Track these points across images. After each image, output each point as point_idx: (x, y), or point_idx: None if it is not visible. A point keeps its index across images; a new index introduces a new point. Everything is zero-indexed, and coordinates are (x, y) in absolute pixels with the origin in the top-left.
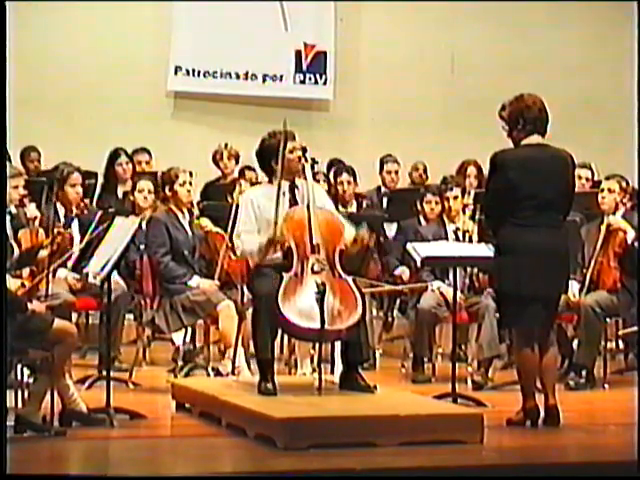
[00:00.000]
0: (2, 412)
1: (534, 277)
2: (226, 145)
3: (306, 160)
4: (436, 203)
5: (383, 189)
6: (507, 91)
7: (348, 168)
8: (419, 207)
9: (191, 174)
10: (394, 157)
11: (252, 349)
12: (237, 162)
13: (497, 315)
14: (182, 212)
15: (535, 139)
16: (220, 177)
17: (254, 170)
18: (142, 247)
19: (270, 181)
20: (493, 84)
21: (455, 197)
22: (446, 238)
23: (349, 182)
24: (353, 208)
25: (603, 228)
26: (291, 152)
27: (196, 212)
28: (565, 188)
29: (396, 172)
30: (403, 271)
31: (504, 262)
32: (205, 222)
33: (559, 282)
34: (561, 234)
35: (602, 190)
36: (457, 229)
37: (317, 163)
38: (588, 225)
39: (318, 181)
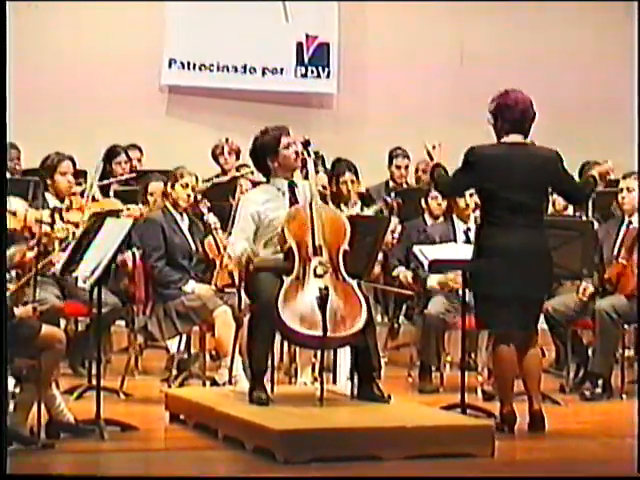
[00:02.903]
0: (2, 413)
1: (509, 278)
2: (227, 140)
3: (309, 155)
4: (443, 199)
5: (391, 184)
6: (518, 85)
7: (350, 166)
8: (424, 204)
9: (197, 178)
10: (404, 151)
11: None
12: (237, 158)
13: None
14: (180, 214)
15: (514, 138)
16: (218, 174)
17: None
18: (135, 249)
19: (268, 181)
20: (504, 77)
21: (470, 194)
22: (454, 239)
23: (352, 181)
24: (357, 208)
25: (624, 229)
26: (286, 148)
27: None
28: (543, 188)
29: (406, 167)
30: (401, 272)
31: (479, 262)
32: None
33: (538, 283)
34: (538, 235)
35: (621, 190)
36: (468, 229)
37: (320, 156)
38: (606, 225)
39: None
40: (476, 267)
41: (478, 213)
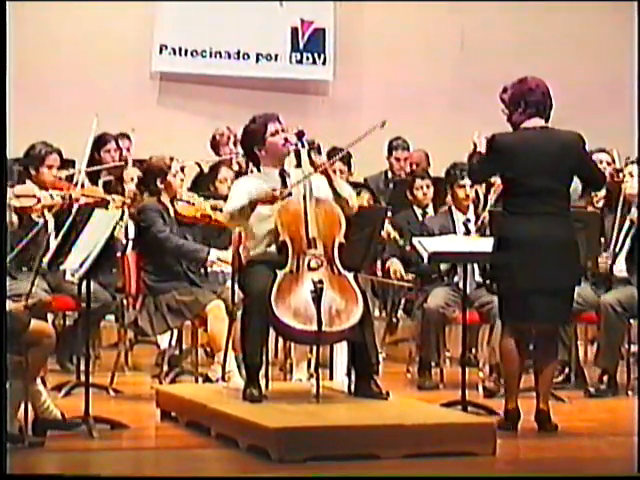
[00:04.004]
0: (2, 412)
1: (533, 269)
2: (228, 128)
3: (302, 145)
4: (427, 187)
5: (390, 175)
6: (520, 72)
7: (343, 156)
8: (410, 196)
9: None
10: (405, 142)
11: None
12: (237, 147)
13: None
14: (171, 202)
15: (536, 122)
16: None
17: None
18: (124, 241)
19: (259, 170)
20: (506, 64)
21: (471, 185)
22: (454, 230)
23: (342, 171)
24: None
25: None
26: (273, 135)
27: None
28: (568, 173)
29: (405, 159)
30: (392, 263)
31: (501, 253)
32: None
33: (564, 273)
34: (563, 222)
35: (623, 176)
36: (467, 220)
37: (316, 146)
38: (614, 215)
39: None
40: (498, 259)
41: (480, 204)
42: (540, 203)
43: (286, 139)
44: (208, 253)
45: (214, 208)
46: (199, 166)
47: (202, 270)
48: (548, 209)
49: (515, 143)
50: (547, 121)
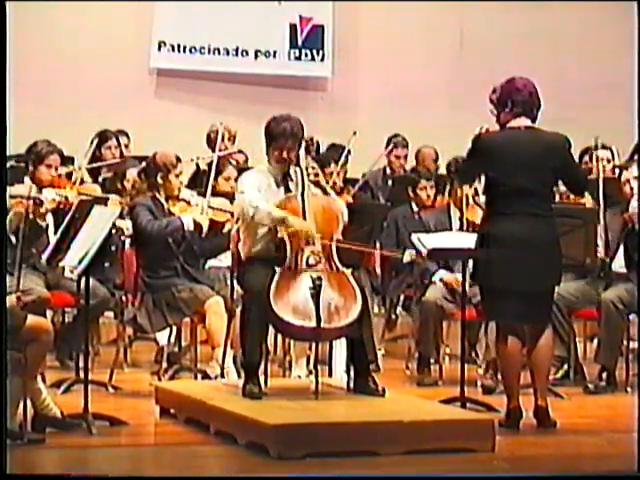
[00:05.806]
0: (2, 412)
1: (513, 268)
2: (221, 124)
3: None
4: (431, 187)
5: (388, 171)
6: (519, 71)
7: (337, 155)
8: (412, 194)
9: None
10: (404, 140)
11: None
12: (234, 144)
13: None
14: (167, 200)
15: (522, 122)
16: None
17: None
18: (122, 237)
19: (269, 161)
20: (503, 61)
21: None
22: (450, 227)
23: (338, 173)
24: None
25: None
26: (278, 151)
27: None
28: (550, 174)
29: (405, 157)
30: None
31: (483, 251)
32: None
33: (545, 273)
34: (544, 223)
35: (628, 181)
36: (463, 216)
37: (314, 142)
38: (612, 211)
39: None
40: (480, 256)
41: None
42: (521, 203)
43: (284, 159)
44: (181, 220)
45: (212, 207)
46: (196, 163)
47: (201, 267)
48: (529, 209)
49: (498, 142)
50: (534, 121)
